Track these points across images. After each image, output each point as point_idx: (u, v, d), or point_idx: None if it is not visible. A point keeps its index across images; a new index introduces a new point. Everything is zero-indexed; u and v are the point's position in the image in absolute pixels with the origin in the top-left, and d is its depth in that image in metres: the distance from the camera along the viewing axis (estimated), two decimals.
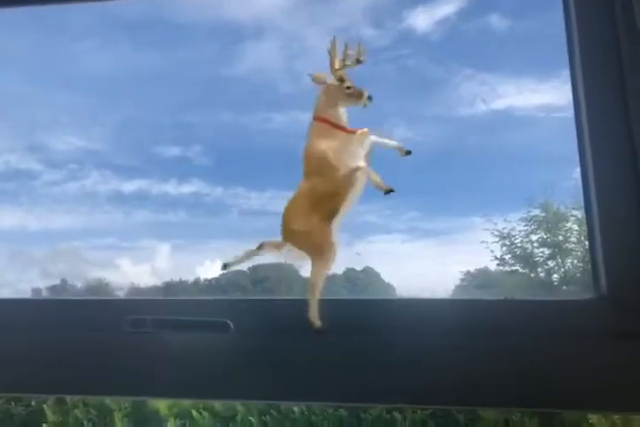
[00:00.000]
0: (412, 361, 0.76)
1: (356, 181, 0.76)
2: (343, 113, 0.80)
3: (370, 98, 0.80)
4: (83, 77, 1.66)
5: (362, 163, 0.77)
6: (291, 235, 0.77)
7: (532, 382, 0.73)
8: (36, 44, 1.63)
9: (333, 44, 0.81)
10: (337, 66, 0.81)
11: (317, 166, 0.77)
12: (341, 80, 0.80)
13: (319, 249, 0.76)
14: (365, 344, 0.78)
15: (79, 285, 1.74)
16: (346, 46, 0.80)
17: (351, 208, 0.77)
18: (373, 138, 0.79)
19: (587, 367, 0.72)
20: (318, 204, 0.76)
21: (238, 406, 1.62)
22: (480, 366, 0.74)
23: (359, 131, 0.79)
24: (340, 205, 0.76)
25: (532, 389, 0.73)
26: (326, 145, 0.78)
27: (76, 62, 1.65)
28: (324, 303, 0.78)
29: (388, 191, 0.78)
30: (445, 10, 1.51)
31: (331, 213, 0.76)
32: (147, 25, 1.61)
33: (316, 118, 0.80)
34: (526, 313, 0.77)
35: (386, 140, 0.80)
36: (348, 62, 0.81)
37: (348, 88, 0.80)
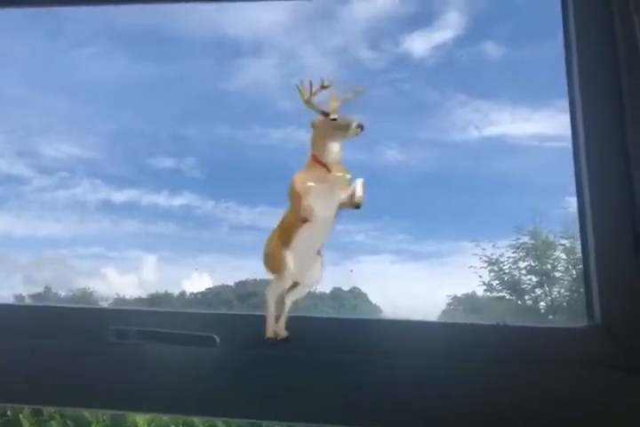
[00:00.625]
0: (398, 384, 0.76)
1: (305, 217, 0.76)
2: (332, 148, 0.78)
3: (360, 127, 0.77)
4: (80, 85, 1.66)
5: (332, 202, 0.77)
6: (264, 257, 0.81)
7: (522, 409, 0.73)
8: (34, 48, 1.63)
9: (301, 85, 0.80)
10: (304, 97, 0.79)
11: (290, 196, 0.78)
12: (325, 114, 0.79)
13: (274, 269, 0.79)
14: (354, 364, 0.77)
15: (63, 293, 1.72)
16: (310, 82, 0.79)
17: (306, 242, 0.78)
18: (352, 185, 0.77)
19: (576, 396, 0.72)
20: (282, 231, 0.79)
21: (219, 423, 1.59)
22: (468, 391, 0.74)
23: (339, 173, 0.77)
24: (291, 237, 0.77)
25: (520, 416, 0.73)
26: (301, 177, 0.78)
27: (73, 69, 1.65)
28: (309, 321, 0.78)
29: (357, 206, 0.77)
30: (442, 35, 1.53)
31: (286, 242, 0.78)
32: (146, 37, 1.62)
33: (311, 155, 0.80)
34: (518, 339, 0.77)
35: (358, 191, 0.77)
36: (314, 90, 0.79)
37: (334, 120, 0.78)
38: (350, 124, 0.77)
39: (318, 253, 0.81)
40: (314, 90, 0.79)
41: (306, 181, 0.77)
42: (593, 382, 0.72)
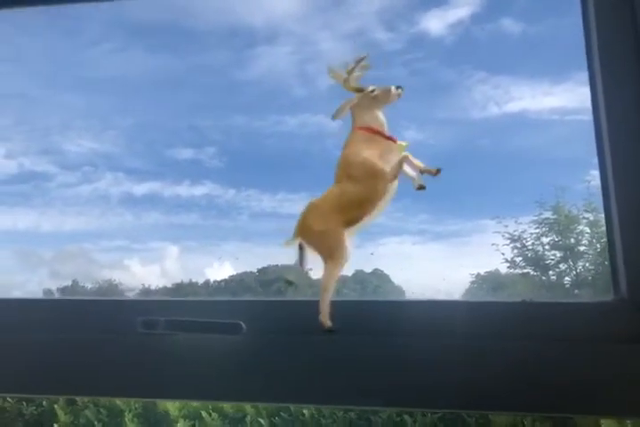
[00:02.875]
0: (423, 364, 0.76)
1: (390, 191, 0.77)
2: (381, 118, 0.80)
3: (399, 87, 0.80)
4: (97, 81, 1.67)
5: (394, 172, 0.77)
6: (306, 232, 0.78)
7: (548, 386, 0.72)
8: (51, 46, 1.64)
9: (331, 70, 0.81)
10: (345, 76, 0.80)
11: (358, 172, 0.77)
12: (361, 90, 0.80)
13: (331, 251, 0.76)
14: (378, 346, 0.78)
15: (90, 286, 1.75)
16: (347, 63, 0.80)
17: (374, 218, 0.78)
18: (409, 156, 0.78)
19: (604, 371, 0.71)
20: (344, 208, 0.76)
21: (248, 407, 1.62)
22: (494, 369, 0.74)
23: (400, 142, 0.79)
24: (367, 213, 0.76)
25: (546, 393, 0.72)
26: (368, 153, 0.78)
27: (91, 66, 1.66)
28: (334, 305, 0.78)
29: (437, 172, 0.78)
30: (459, 13, 1.50)
31: (353, 220, 0.76)
32: (161, 30, 1.62)
33: (357, 128, 0.80)
34: (545, 316, 0.77)
35: (416, 162, 0.78)
36: (357, 72, 0.80)
37: (373, 91, 0.80)
38: (390, 89, 0.80)
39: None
40: (357, 72, 0.80)
41: (377, 157, 0.77)
42: (621, 355, 0.71)
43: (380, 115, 0.80)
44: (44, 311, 0.91)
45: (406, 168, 0.76)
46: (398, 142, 0.79)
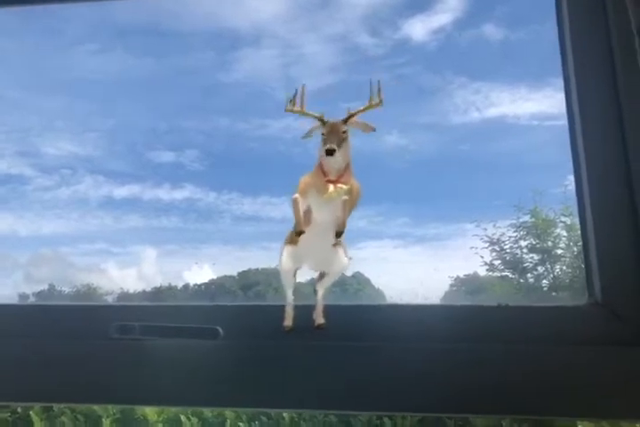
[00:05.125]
0: (403, 368, 0.76)
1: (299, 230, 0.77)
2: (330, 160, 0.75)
3: (329, 153, 0.73)
4: (78, 82, 1.65)
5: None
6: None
7: (525, 388, 0.73)
8: (31, 47, 1.62)
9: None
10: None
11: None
12: (322, 121, 0.77)
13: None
14: (356, 350, 0.78)
15: (67, 290, 1.73)
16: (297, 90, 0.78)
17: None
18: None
19: (579, 374, 0.72)
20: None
21: (227, 412, 1.61)
22: (472, 372, 0.74)
23: (336, 186, 0.74)
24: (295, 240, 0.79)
25: (524, 396, 0.73)
26: (303, 185, 0.77)
27: (71, 67, 1.64)
28: (310, 310, 0.79)
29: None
30: (441, 19, 1.52)
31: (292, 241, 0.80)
32: (144, 31, 1.61)
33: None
34: (519, 319, 0.78)
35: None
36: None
37: (322, 134, 0.76)
38: (326, 147, 0.74)
39: (335, 245, 0.80)
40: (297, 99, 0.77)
41: (305, 188, 0.76)
42: (594, 358, 0.73)
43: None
44: (17, 317, 0.90)
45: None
46: (334, 190, 0.74)
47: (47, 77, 1.68)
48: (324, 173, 0.76)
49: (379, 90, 0.77)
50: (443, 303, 0.90)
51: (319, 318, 0.79)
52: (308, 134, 0.79)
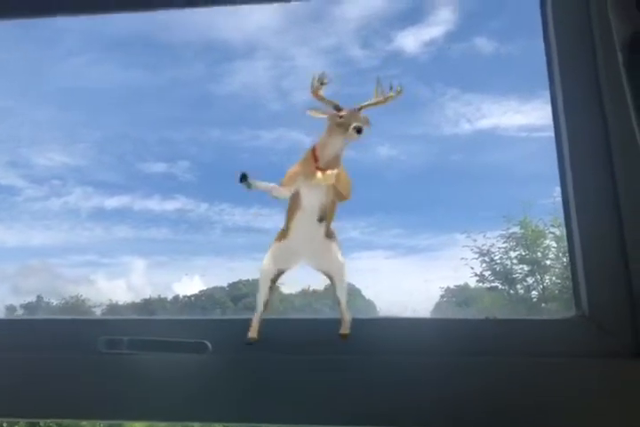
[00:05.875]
0: (392, 381, 0.76)
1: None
2: (330, 143, 0.76)
3: (358, 131, 0.73)
4: (69, 93, 1.65)
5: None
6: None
7: (513, 401, 0.73)
8: (22, 58, 1.62)
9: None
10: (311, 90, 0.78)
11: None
12: (338, 109, 0.77)
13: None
14: (348, 364, 0.78)
15: (55, 302, 1.71)
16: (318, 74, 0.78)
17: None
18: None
19: (567, 386, 0.72)
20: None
21: (217, 426, 1.59)
22: (460, 386, 0.74)
23: (324, 173, 0.75)
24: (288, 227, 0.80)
25: (512, 408, 0.73)
26: (293, 170, 0.78)
27: (63, 78, 1.64)
28: (305, 323, 0.78)
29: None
30: (433, 32, 1.53)
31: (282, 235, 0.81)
32: (137, 43, 1.62)
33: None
34: (508, 332, 0.78)
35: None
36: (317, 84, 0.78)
37: (340, 117, 0.76)
38: (349, 125, 0.74)
39: (327, 236, 0.80)
40: (317, 84, 0.77)
41: (293, 177, 0.77)
42: (581, 371, 0.73)
43: (334, 143, 0.76)
44: (3, 331, 0.89)
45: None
46: (321, 177, 0.75)
47: (38, 88, 1.67)
48: (316, 159, 0.76)
49: (390, 88, 0.80)
50: (431, 317, 0.90)
51: (344, 328, 0.78)
52: (317, 112, 0.79)
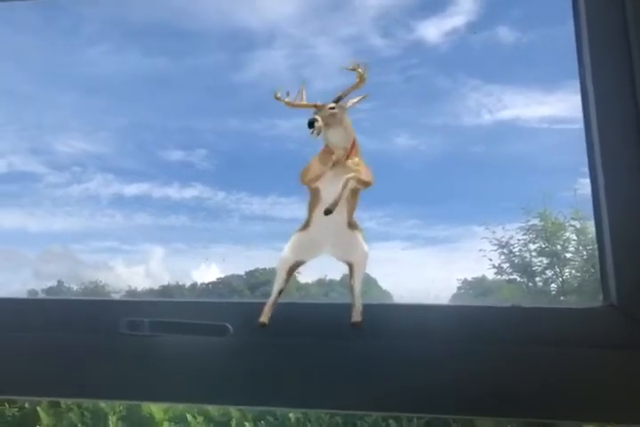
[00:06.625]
0: (411, 369, 0.76)
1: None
2: (327, 135, 0.76)
3: (310, 124, 0.74)
4: (92, 81, 1.66)
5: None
6: None
7: (536, 391, 0.72)
8: (47, 45, 1.63)
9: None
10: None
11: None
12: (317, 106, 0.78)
13: None
14: (365, 350, 0.77)
15: (75, 287, 1.73)
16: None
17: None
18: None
19: (592, 377, 0.71)
20: None
21: (233, 410, 1.61)
22: (482, 373, 0.74)
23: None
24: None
25: (534, 398, 0.72)
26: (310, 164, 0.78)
27: (86, 66, 1.65)
28: (322, 308, 0.78)
29: None
30: (455, 21, 1.52)
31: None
32: (159, 31, 1.62)
33: None
34: (533, 321, 0.77)
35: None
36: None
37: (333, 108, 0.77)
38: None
39: (350, 227, 0.79)
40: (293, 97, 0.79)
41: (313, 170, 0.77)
42: (610, 362, 0.72)
43: (330, 133, 0.76)
44: (26, 311, 0.90)
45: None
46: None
47: (62, 75, 1.69)
48: (332, 152, 0.76)
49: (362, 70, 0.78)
50: (455, 304, 0.89)
51: (356, 316, 0.76)
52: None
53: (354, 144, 0.77)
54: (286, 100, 0.79)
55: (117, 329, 0.81)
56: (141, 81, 1.70)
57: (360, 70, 0.77)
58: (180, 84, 1.67)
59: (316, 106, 0.78)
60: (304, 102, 0.79)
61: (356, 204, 0.78)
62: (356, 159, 0.76)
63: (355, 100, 0.79)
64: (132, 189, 1.77)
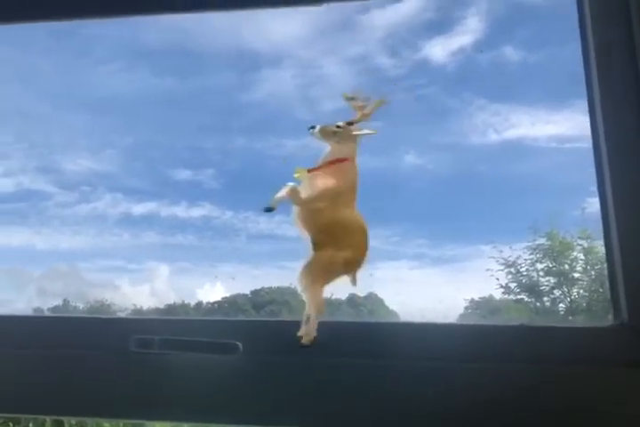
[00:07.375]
0: (419, 387, 0.75)
1: None
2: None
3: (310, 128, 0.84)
4: (100, 100, 1.68)
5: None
6: None
7: (550, 410, 0.72)
8: (55, 65, 1.66)
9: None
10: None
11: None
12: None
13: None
14: (373, 369, 0.77)
15: (81, 305, 1.73)
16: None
17: None
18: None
19: (603, 396, 0.71)
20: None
21: None
22: (493, 392, 0.73)
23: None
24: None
25: (550, 418, 0.71)
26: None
27: (95, 85, 1.67)
28: (330, 325, 0.78)
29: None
30: (461, 41, 1.54)
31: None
32: (167, 52, 1.65)
33: None
34: (543, 340, 0.76)
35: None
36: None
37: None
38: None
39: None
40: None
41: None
42: (621, 380, 0.71)
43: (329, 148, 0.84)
44: (34, 328, 0.90)
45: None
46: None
47: (71, 94, 1.71)
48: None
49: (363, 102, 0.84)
50: (464, 323, 0.88)
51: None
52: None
53: (332, 163, 0.82)
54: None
55: (127, 347, 0.81)
56: (150, 101, 1.72)
57: (359, 103, 0.83)
58: (188, 103, 1.69)
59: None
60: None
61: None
62: (313, 174, 0.83)
63: (360, 131, 0.83)
64: (139, 209, 1.78)
